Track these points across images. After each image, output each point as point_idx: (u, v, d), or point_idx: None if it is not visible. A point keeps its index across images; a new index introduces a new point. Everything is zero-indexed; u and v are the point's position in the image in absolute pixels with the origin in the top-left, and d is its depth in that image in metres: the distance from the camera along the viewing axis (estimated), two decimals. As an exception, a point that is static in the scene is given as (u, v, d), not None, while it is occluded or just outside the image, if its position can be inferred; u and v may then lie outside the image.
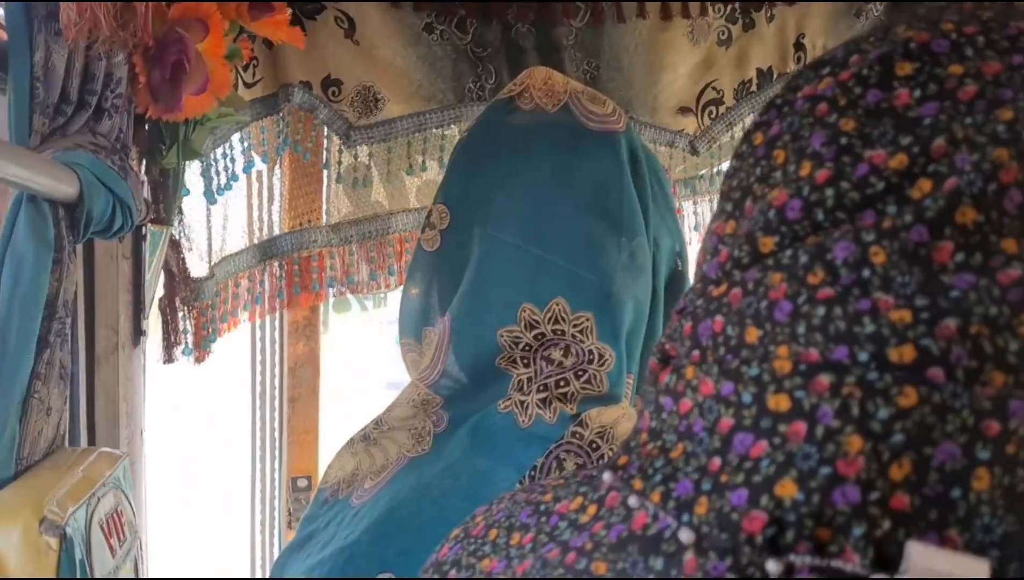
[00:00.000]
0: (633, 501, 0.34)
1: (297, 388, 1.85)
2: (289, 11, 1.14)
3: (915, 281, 0.29)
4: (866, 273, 0.30)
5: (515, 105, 0.90)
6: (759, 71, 1.73)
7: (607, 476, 0.37)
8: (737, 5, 1.66)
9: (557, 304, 0.81)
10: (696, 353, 0.35)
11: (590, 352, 0.81)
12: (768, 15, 1.69)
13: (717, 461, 0.31)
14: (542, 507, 0.39)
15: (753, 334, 0.32)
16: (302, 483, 1.87)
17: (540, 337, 0.81)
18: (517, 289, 0.82)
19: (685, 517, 0.32)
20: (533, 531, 0.38)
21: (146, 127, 1.10)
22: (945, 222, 0.30)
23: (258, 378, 1.84)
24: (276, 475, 1.89)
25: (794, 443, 0.29)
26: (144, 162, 1.14)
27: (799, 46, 1.73)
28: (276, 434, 1.87)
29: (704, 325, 0.35)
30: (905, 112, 0.32)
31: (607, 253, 0.82)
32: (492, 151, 0.89)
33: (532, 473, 0.78)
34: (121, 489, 0.92)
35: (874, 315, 0.30)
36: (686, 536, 0.31)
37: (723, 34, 1.67)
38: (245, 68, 1.38)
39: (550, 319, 0.81)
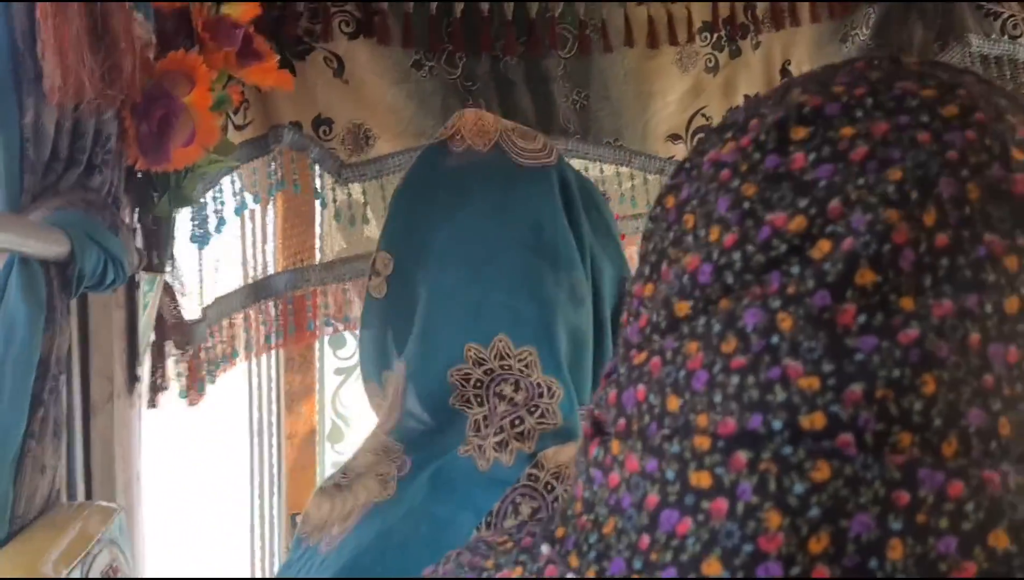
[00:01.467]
0: (571, 577, 0.35)
1: (294, 425, 1.85)
2: (277, 57, 1.15)
3: (821, 346, 0.30)
4: (775, 339, 0.31)
5: (447, 148, 0.91)
6: (747, 98, 1.73)
7: (545, 548, 0.38)
8: (723, 32, 1.67)
9: (500, 341, 0.82)
10: (622, 422, 0.36)
11: (538, 385, 0.82)
12: (754, 43, 1.70)
13: (647, 538, 0.32)
14: (484, 575, 0.40)
15: (674, 403, 0.33)
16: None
17: (489, 372, 0.82)
18: (461, 329, 0.83)
19: None
20: None
21: (138, 177, 1.11)
22: (846, 285, 0.31)
23: (255, 415, 1.84)
24: (275, 513, 1.88)
25: (717, 520, 0.30)
26: (136, 211, 1.14)
27: (785, 72, 1.74)
28: (274, 471, 1.87)
29: (627, 394, 0.36)
30: (801, 175, 0.33)
31: (545, 286, 0.83)
32: (429, 195, 0.90)
33: (488, 519, 0.78)
34: (116, 544, 0.91)
35: (784, 383, 0.31)
36: None
37: (710, 61, 1.68)
38: (235, 111, 1.39)
39: (495, 356, 0.82)
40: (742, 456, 0.31)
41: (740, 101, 1.73)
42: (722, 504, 0.30)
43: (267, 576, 1.88)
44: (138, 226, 1.15)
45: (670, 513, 0.32)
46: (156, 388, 1.33)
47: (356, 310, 1.66)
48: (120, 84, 0.83)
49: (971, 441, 0.30)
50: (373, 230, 1.65)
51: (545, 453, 0.80)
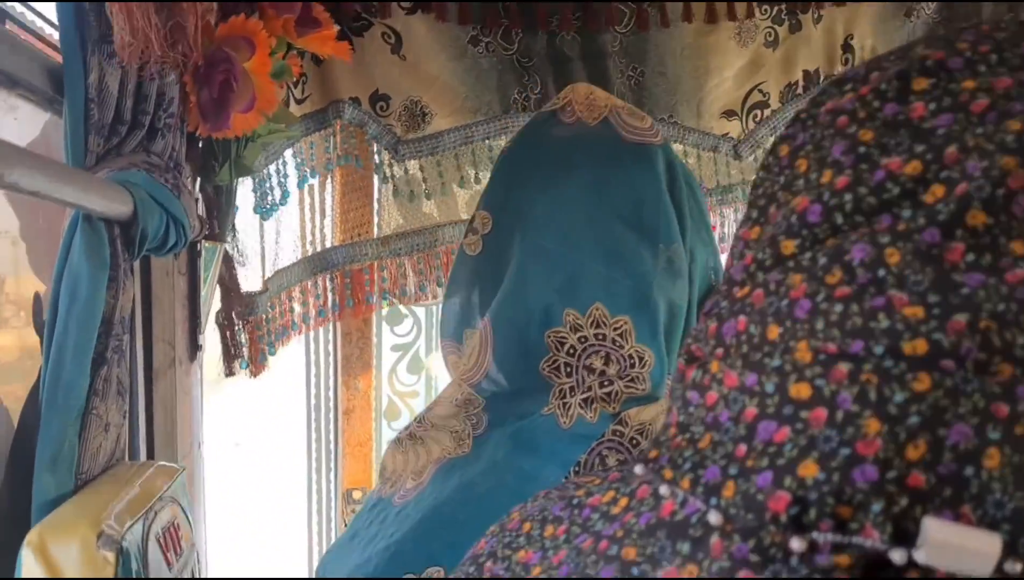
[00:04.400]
0: (664, 490, 0.36)
1: (352, 400, 1.87)
2: (336, 27, 1.16)
3: (928, 280, 0.31)
4: (881, 273, 0.32)
5: (557, 118, 0.93)
6: (806, 73, 1.70)
7: (638, 469, 0.39)
8: (784, 6, 1.64)
9: (597, 309, 0.83)
10: (720, 350, 0.37)
11: (630, 357, 0.83)
12: (815, 16, 1.66)
13: (743, 447, 0.33)
14: (575, 501, 0.41)
15: (775, 331, 0.34)
16: (357, 495, 1.88)
17: (583, 340, 0.83)
18: (558, 294, 0.84)
19: (713, 500, 0.33)
20: (566, 523, 0.40)
21: (199, 145, 1.13)
22: (956, 225, 0.31)
23: (312, 391, 1.86)
24: (332, 488, 1.91)
25: (815, 428, 0.31)
26: (198, 179, 1.16)
27: (847, 47, 1.70)
28: (331, 446, 1.89)
29: (728, 325, 0.37)
30: (920, 123, 0.34)
31: (642, 259, 0.84)
32: (534, 161, 0.91)
33: (576, 469, 0.79)
34: (178, 503, 0.93)
35: (889, 311, 0.31)
36: (715, 518, 0.33)
37: (770, 36, 1.65)
38: (295, 84, 1.41)
39: (592, 323, 0.83)
40: (843, 367, 0.31)
41: (799, 77, 1.70)
42: (821, 413, 0.31)
43: (323, 547, 1.91)
44: (199, 195, 1.17)
45: (768, 423, 0.33)
46: (231, 356, 1.36)
47: (412, 285, 1.67)
48: (183, 45, 0.84)
49: None
50: (430, 206, 1.66)
51: (628, 412, 0.82)
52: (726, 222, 1.83)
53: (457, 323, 0.93)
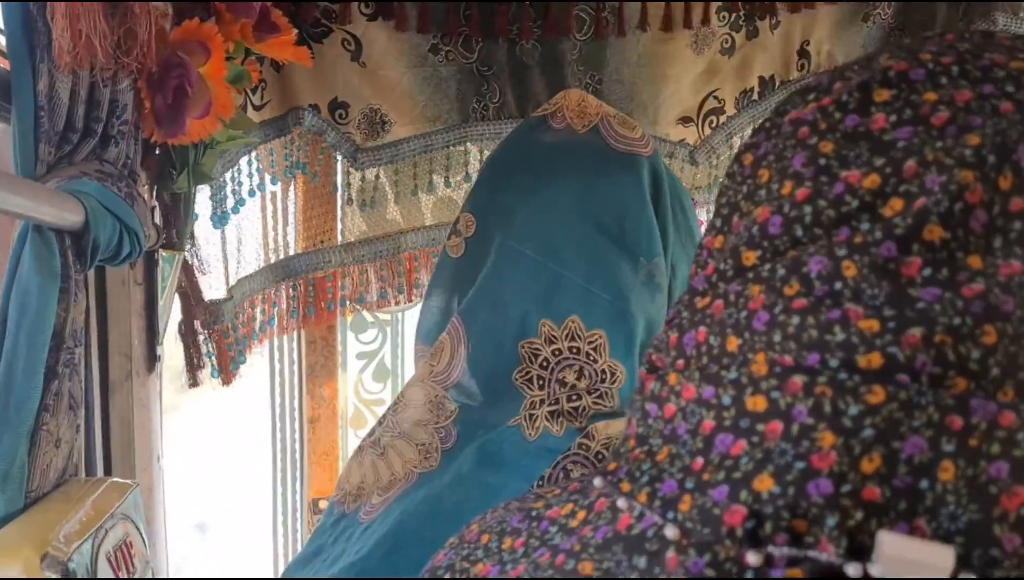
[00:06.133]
0: (621, 503, 0.36)
1: (317, 409, 1.85)
2: (295, 31, 1.15)
3: (883, 293, 0.31)
4: (838, 285, 0.32)
5: (547, 124, 0.93)
6: (761, 79, 1.72)
7: (597, 482, 0.39)
8: (742, 13, 1.65)
9: (572, 321, 0.83)
10: (680, 362, 0.37)
11: (603, 371, 0.82)
12: (773, 22, 1.68)
13: (700, 461, 0.33)
14: (533, 513, 0.41)
15: (733, 343, 0.34)
16: (323, 504, 1.87)
17: (557, 353, 0.82)
18: (535, 303, 0.83)
19: (670, 514, 0.33)
20: (525, 535, 0.40)
21: (156, 152, 1.11)
22: (913, 239, 0.32)
23: (277, 400, 1.85)
24: (298, 497, 1.89)
25: (771, 441, 0.31)
26: (155, 187, 1.15)
27: (803, 53, 1.72)
28: (297, 456, 1.88)
29: (689, 335, 0.37)
30: (881, 135, 0.35)
31: (622, 272, 0.84)
32: (520, 166, 0.91)
33: (540, 483, 0.78)
34: (131, 520, 0.91)
35: (844, 324, 0.31)
36: (672, 532, 0.33)
37: (726, 43, 1.67)
38: (254, 91, 1.39)
39: (567, 336, 0.82)
40: (798, 380, 0.31)
41: (755, 83, 1.72)
42: (777, 426, 0.31)
43: (289, 557, 1.89)
44: (156, 203, 1.15)
45: (725, 436, 0.33)
46: (194, 367, 1.34)
47: (375, 291, 1.66)
48: (135, 52, 0.83)
49: None
50: (394, 212, 1.65)
51: (596, 425, 0.81)
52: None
53: (434, 326, 0.92)
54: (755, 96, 1.72)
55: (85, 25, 0.74)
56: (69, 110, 0.84)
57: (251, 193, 1.42)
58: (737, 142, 1.74)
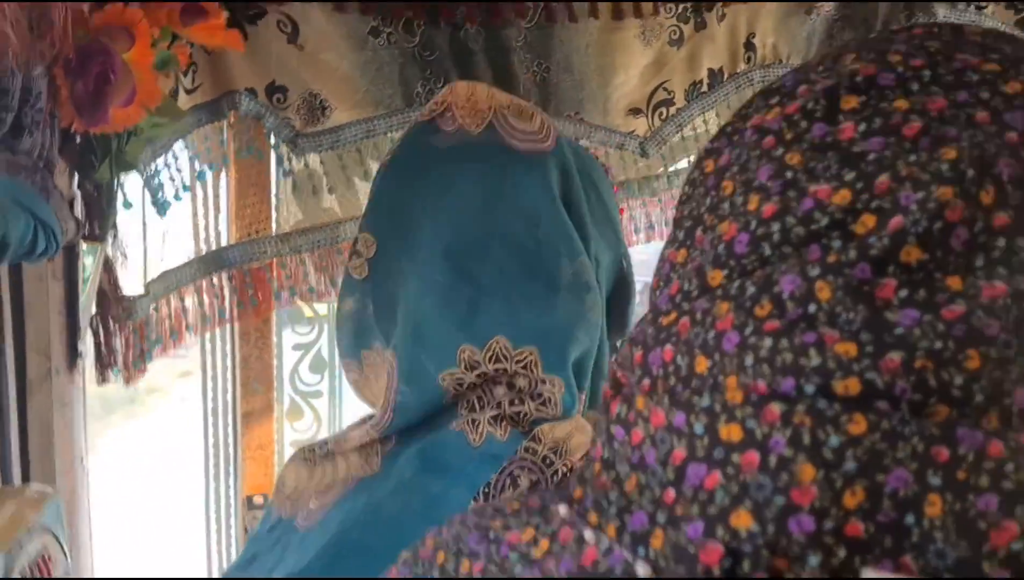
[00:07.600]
0: (588, 535, 0.34)
1: (251, 402, 1.80)
2: (225, 14, 1.09)
3: (860, 318, 0.30)
4: (812, 308, 0.31)
5: (436, 126, 0.84)
6: (710, 71, 1.71)
7: (563, 510, 0.36)
8: (688, 4, 1.64)
9: (497, 342, 0.78)
10: (647, 382, 0.35)
11: (542, 381, 0.79)
12: (719, 14, 1.67)
13: (672, 493, 0.31)
14: (491, 535, 0.39)
15: (703, 364, 0.33)
16: (258, 501, 1.82)
17: (483, 376, 0.79)
18: (455, 330, 0.79)
19: (641, 551, 0.32)
20: (483, 560, 0.38)
21: (76, 141, 1.05)
22: (889, 260, 0.30)
23: (209, 394, 1.79)
24: (231, 494, 1.84)
25: (748, 473, 0.30)
26: (75, 177, 1.09)
27: (749, 46, 1.71)
28: (230, 451, 1.83)
29: (654, 354, 0.35)
30: (850, 146, 0.33)
31: (543, 284, 0.79)
32: (416, 179, 0.84)
33: (486, 490, 0.75)
34: (50, 531, 0.87)
35: (820, 347, 0.30)
36: (643, 570, 0.31)
37: (674, 34, 1.65)
38: (185, 73, 1.33)
39: (491, 358, 0.78)
40: (775, 408, 0.30)
41: (704, 75, 1.71)
42: (753, 457, 0.30)
43: (223, 555, 1.85)
44: (77, 194, 1.09)
45: (698, 467, 0.31)
46: (103, 363, 1.28)
47: (314, 282, 1.62)
48: (50, 37, 0.77)
49: (1012, 419, 0.28)
50: (331, 201, 1.61)
51: (541, 428, 0.78)
52: (635, 217, 1.83)
53: (354, 342, 0.88)
54: (704, 88, 1.71)
55: (-8, 9, 0.69)
56: (-23, 98, 0.79)
57: (189, 183, 1.37)
58: (688, 133, 1.74)
